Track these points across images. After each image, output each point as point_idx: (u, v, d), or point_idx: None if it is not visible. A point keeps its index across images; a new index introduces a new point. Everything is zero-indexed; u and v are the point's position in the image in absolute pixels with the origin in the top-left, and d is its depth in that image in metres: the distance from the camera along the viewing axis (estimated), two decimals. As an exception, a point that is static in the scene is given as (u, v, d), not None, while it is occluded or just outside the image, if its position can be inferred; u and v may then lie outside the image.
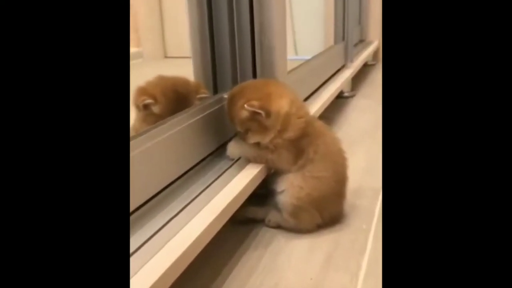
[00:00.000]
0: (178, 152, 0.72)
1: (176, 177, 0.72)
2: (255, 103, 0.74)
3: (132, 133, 0.74)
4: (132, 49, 2.79)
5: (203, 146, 0.80)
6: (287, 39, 0.98)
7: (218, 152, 0.84)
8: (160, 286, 0.48)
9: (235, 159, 0.81)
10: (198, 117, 0.77)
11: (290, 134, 0.77)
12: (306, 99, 1.31)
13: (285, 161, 0.78)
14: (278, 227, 0.82)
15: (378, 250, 0.75)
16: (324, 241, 0.78)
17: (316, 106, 1.22)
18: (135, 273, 0.48)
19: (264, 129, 0.76)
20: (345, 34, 1.93)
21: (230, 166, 0.79)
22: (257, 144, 0.79)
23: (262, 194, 0.83)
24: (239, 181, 0.73)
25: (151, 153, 0.64)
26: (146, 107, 0.79)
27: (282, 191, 0.79)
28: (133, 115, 0.81)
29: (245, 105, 0.74)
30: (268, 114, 0.74)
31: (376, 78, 2.27)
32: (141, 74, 0.86)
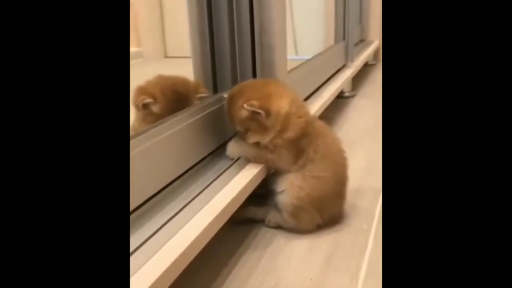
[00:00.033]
0: (178, 151, 0.72)
1: (175, 176, 0.72)
2: (255, 102, 0.73)
3: (131, 132, 0.74)
4: (132, 49, 2.79)
5: (202, 145, 0.80)
6: (287, 38, 0.97)
7: (218, 151, 0.84)
8: (160, 285, 0.48)
9: (235, 159, 0.81)
10: (197, 117, 0.77)
11: (290, 134, 0.76)
12: (306, 99, 1.31)
13: (285, 161, 0.78)
14: (278, 227, 0.82)
15: (378, 250, 0.75)
16: (324, 241, 0.78)
17: (316, 106, 1.22)
18: (135, 272, 0.48)
19: (264, 128, 0.75)
20: (346, 34, 1.92)
21: (230, 166, 0.79)
22: (257, 144, 0.79)
23: (262, 194, 0.83)
24: (239, 181, 0.73)
25: (151, 153, 0.64)
26: (145, 106, 0.79)
27: (282, 191, 0.78)
28: (133, 114, 0.81)
29: (245, 105, 0.74)
30: (268, 113, 0.74)
31: (376, 78, 2.27)
32: (141, 73, 0.85)
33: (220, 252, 0.75)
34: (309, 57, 1.50)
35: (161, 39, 3.02)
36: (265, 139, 0.77)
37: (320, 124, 0.84)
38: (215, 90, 0.94)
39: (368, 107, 1.71)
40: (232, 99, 0.78)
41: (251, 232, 0.81)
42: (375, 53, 2.67)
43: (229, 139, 0.83)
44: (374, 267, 0.70)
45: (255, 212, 0.83)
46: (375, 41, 2.64)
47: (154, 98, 0.79)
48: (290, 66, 1.12)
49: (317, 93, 1.41)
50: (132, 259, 0.51)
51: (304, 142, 0.77)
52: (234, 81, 0.93)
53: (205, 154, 0.81)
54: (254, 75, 0.93)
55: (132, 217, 0.60)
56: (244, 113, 0.75)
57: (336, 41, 1.94)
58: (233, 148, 0.81)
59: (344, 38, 1.93)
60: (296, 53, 2.46)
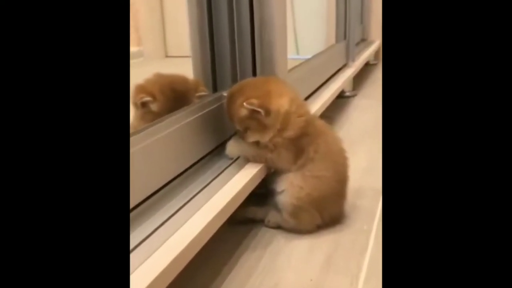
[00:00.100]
0: (177, 150, 0.71)
1: (174, 175, 0.71)
2: (254, 101, 0.73)
3: (130, 131, 0.73)
4: (133, 48, 2.79)
5: (202, 144, 0.79)
6: (289, 38, 0.97)
7: (217, 151, 0.83)
8: (160, 282, 0.48)
9: (234, 158, 0.80)
10: (197, 115, 0.76)
11: (290, 133, 0.76)
12: (307, 98, 1.30)
13: (285, 160, 0.77)
14: (278, 227, 0.81)
15: (379, 251, 0.74)
16: (324, 241, 0.77)
17: (317, 105, 1.22)
18: (135, 269, 0.48)
19: (263, 127, 0.75)
20: (347, 33, 1.92)
21: (229, 165, 0.78)
22: (257, 143, 0.78)
23: (261, 194, 0.83)
24: (238, 180, 0.72)
25: (149, 151, 0.64)
26: (144, 105, 0.79)
27: (282, 191, 0.78)
28: (131, 113, 0.81)
29: (244, 103, 0.73)
30: (267, 112, 0.73)
31: (377, 78, 2.26)
32: (141, 73, 0.85)
33: (219, 252, 0.74)
34: (310, 56, 1.49)
35: (162, 38, 3.02)
36: (265, 138, 0.76)
37: (320, 123, 0.83)
38: (215, 88, 0.94)
39: (369, 107, 1.70)
40: (231, 98, 0.77)
41: (251, 232, 0.81)
42: (376, 53, 2.66)
43: (229, 138, 0.83)
44: (374, 267, 0.70)
45: (255, 212, 0.83)
46: (376, 41, 2.63)
47: (153, 96, 0.78)
48: (291, 65, 1.12)
49: (318, 92, 1.41)
50: (132, 256, 0.51)
51: (304, 142, 0.77)
52: (234, 80, 0.93)
53: (204, 153, 0.80)
54: (254, 73, 0.93)
55: (131, 215, 0.60)
56: (243, 112, 0.74)
57: (337, 41, 1.94)
58: (232, 147, 0.80)
59: (345, 38, 1.92)
60: (297, 52, 2.45)
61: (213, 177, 0.73)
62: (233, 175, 0.74)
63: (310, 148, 0.77)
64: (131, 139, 0.60)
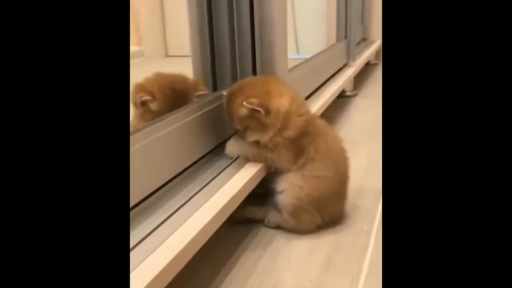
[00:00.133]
0: (176, 149, 0.71)
1: (174, 175, 0.71)
2: (254, 100, 0.72)
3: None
4: (134, 48, 2.79)
5: (201, 144, 0.79)
6: (289, 38, 0.96)
7: (217, 150, 0.83)
8: (159, 281, 0.48)
9: (234, 158, 0.80)
10: (196, 115, 0.76)
11: (290, 132, 0.75)
12: (308, 97, 1.30)
13: (285, 160, 0.77)
14: (278, 227, 0.81)
15: (379, 251, 0.74)
16: (324, 242, 0.77)
17: (317, 105, 1.21)
18: (135, 268, 0.48)
19: (263, 127, 0.74)
20: (348, 32, 1.91)
21: (229, 165, 0.78)
22: (257, 143, 0.78)
23: (261, 194, 0.82)
24: (238, 180, 0.72)
25: (149, 150, 0.63)
26: (143, 104, 0.78)
27: (282, 191, 0.77)
28: (131, 112, 0.80)
29: (244, 102, 0.73)
30: (267, 111, 0.73)
31: (378, 78, 2.26)
32: (142, 72, 0.85)
33: (219, 252, 0.74)
34: (311, 56, 1.48)
35: (162, 38, 3.02)
36: (265, 138, 0.76)
37: (321, 122, 0.82)
38: (215, 88, 0.94)
39: (370, 106, 1.70)
40: (231, 97, 0.77)
41: (251, 232, 0.80)
42: (377, 53, 2.65)
43: (229, 138, 0.82)
44: (375, 268, 0.69)
45: (255, 212, 0.82)
46: (377, 41, 2.63)
47: (152, 95, 0.78)
48: (291, 65, 1.11)
49: (319, 92, 1.40)
50: (132, 255, 0.51)
51: (304, 141, 0.76)
52: (234, 79, 0.92)
53: (204, 152, 0.80)
54: (254, 72, 0.92)
55: (131, 214, 0.60)
56: (243, 111, 0.74)
57: (338, 40, 1.93)
58: (232, 147, 0.80)
59: (346, 37, 1.92)
60: (298, 52, 2.45)
61: (212, 176, 0.73)
62: (233, 174, 0.74)
63: (310, 148, 0.76)
64: (131, 138, 0.60)
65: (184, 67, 0.92)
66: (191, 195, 0.66)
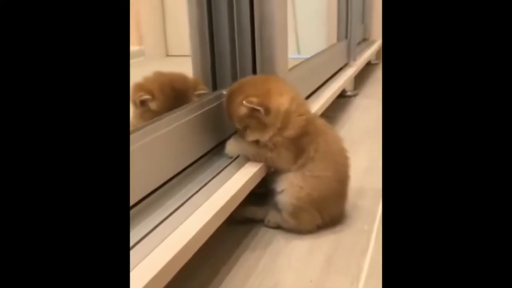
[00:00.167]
0: (176, 149, 0.71)
1: (173, 174, 0.71)
2: (254, 99, 0.72)
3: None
4: (134, 47, 2.79)
5: (201, 143, 0.78)
6: (290, 38, 0.96)
7: (217, 149, 0.82)
8: (158, 280, 0.48)
9: (234, 157, 0.79)
10: (196, 114, 0.76)
11: (290, 132, 0.75)
12: (308, 97, 1.30)
13: (285, 159, 0.76)
14: (278, 227, 0.80)
15: (379, 252, 0.73)
16: (324, 242, 0.77)
17: (317, 105, 1.21)
18: (134, 266, 0.48)
19: (263, 126, 0.74)
20: (348, 32, 1.91)
21: (229, 164, 0.77)
22: (256, 142, 0.77)
23: (261, 194, 0.82)
24: (238, 179, 0.72)
25: (148, 149, 0.63)
26: (143, 103, 0.78)
27: (282, 191, 0.77)
28: (130, 111, 0.80)
29: (244, 102, 0.72)
30: (267, 111, 0.73)
31: (379, 78, 2.26)
32: (142, 72, 0.84)
33: (219, 252, 0.74)
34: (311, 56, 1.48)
35: (163, 37, 3.01)
36: (265, 137, 0.75)
37: (321, 122, 0.82)
38: (215, 87, 0.93)
39: (370, 106, 1.70)
40: (231, 96, 0.76)
41: (251, 232, 0.80)
42: (378, 53, 2.65)
43: (228, 137, 0.82)
44: (375, 268, 0.69)
45: (255, 212, 0.82)
46: (378, 41, 2.62)
47: (152, 94, 0.78)
48: (292, 65, 1.11)
49: (319, 91, 1.40)
50: (131, 254, 0.50)
51: (304, 141, 0.76)
52: (234, 78, 0.92)
53: (204, 151, 0.80)
54: (254, 71, 0.92)
55: (130, 213, 0.59)
56: (243, 110, 0.74)
57: (338, 40, 1.93)
58: (232, 146, 0.79)
59: (346, 37, 1.92)
60: (298, 52, 2.45)
61: (212, 176, 0.73)
62: (233, 174, 0.74)
63: (311, 148, 0.76)
64: (130, 137, 0.59)
65: (185, 66, 0.92)
66: (190, 194, 0.66)
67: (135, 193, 0.61)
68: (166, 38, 3.03)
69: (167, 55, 3.03)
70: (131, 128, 0.62)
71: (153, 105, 0.78)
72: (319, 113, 1.18)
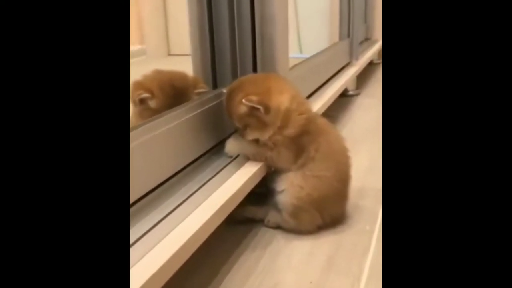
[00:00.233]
0: (175, 147, 0.70)
1: (173, 173, 0.70)
2: (253, 98, 0.71)
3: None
4: (136, 47, 2.79)
5: (201, 142, 0.78)
6: (291, 37, 0.95)
7: (217, 148, 0.82)
8: (158, 279, 0.48)
9: (234, 156, 0.79)
10: (196, 112, 0.75)
11: (290, 131, 0.74)
12: (309, 96, 1.29)
13: (285, 159, 0.76)
14: (278, 227, 0.80)
15: (381, 252, 0.72)
16: (325, 242, 0.76)
17: (319, 104, 1.20)
18: (134, 265, 0.48)
19: (263, 125, 0.73)
20: (350, 31, 1.90)
21: (229, 163, 0.77)
22: (256, 141, 0.77)
23: (261, 193, 0.81)
24: (238, 179, 0.71)
25: (148, 148, 0.63)
26: (142, 101, 0.78)
27: (282, 191, 0.76)
28: (130, 109, 0.79)
29: (243, 100, 0.72)
30: (267, 109, 0.72)
31: (381, 77, 2.24)
32: (144, 71, 0.84)
33: (219, 251, 0.73)
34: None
35: (165, 36, 3.01)
36: (265, 136, 0.75)
37: (322, 121, 0.81)
38: (215, 85, 0.93)
39: (372, 106, 1.69)
40: (230, 94, 0.76)
41: (251, 232, 0.79)
42: (380, 52, 2.64)
43: (228, 136, 0.82)
44: (376, 269, 0.68)
45: (255, 211, 0.81)
46: (380, 40, 2.61)
47: (151, 93, 0.77)
48: (293, 64, 1.10)
49: (321, 90, 1.39)
50: (131, 251, 0.50)
51: (305, 140, 0.75)
52: (234, 76, 0.91)
53: (204, 150, 0.79)
54: (255, 70, 0.91)
55: (130, 211, 0.59)
56: (242, 109, 0.73)
57: (340, 39, 1.92)
58: (232, 145, 0.79)
59: (348, 36, 1.91)
60: (300, 51, 2.44)
61: (212, 175, 0.72)
62: (232, 173, 0.73)
63: (311, 147, 0.75)
64: (130, 135, 0.59)
65: (186, 65, 0.92)
66: (190, 193, 0.65)
67: (135, 191, 0.61)
68: (168, 37, 3.03)
69: (169, 54, 3.03)
70: (130, 126, 0.62)
71: (152, 103, 0.78)
72: (321, 112, 1.18)
